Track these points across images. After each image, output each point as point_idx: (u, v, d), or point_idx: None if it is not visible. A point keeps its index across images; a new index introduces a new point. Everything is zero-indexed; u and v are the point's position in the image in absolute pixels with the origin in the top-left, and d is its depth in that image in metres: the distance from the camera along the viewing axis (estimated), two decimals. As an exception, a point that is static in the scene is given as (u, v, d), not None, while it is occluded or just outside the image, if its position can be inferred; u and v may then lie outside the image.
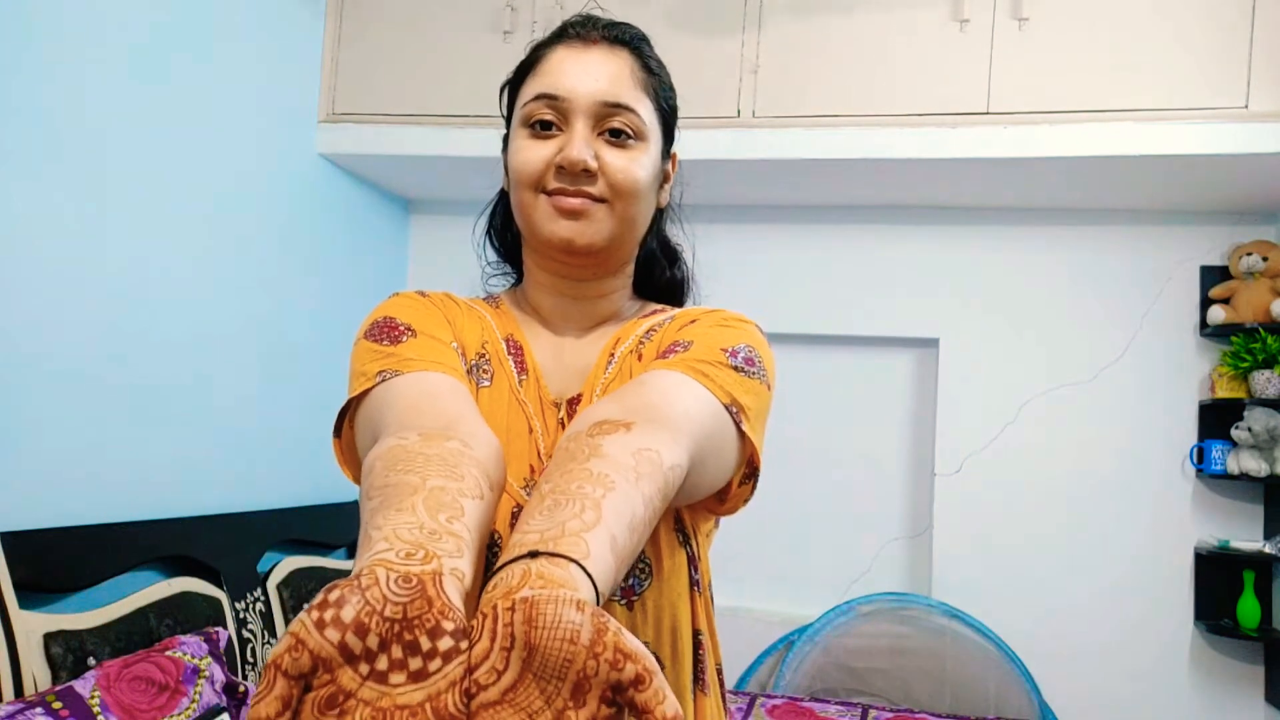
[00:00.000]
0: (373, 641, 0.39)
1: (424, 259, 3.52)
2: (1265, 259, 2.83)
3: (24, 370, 1.98)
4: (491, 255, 0.96)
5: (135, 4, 2.26)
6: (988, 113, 2.60)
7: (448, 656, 0.40)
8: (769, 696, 2.76)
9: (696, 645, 0.79)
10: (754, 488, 0.78)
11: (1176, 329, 2.98)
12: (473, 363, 0.82)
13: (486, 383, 0.81)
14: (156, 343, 2.34)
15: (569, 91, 0.78)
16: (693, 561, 0.80)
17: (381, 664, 0.39)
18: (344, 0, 3.01)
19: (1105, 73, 2.53)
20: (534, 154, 0.78)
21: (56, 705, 1.62)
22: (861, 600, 3.07)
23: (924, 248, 3.17)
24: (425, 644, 0.40)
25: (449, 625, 0.40)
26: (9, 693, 1.72)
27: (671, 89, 0.87)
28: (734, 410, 0.72)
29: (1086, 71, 2.54)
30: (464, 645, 0.41)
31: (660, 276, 0.94)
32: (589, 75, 0.79)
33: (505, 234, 0.94)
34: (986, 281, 3.12)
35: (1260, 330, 2.77)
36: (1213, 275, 2.95)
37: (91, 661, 1.86)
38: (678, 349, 0.76)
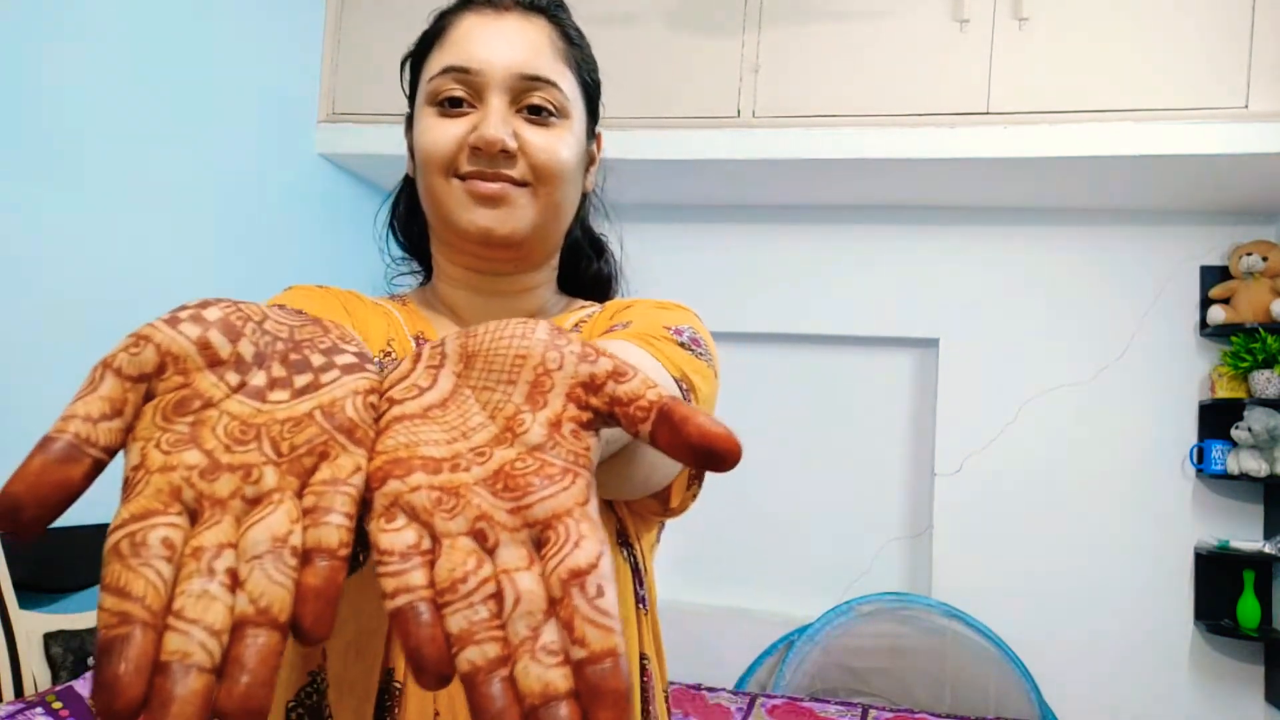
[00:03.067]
0: (246, 349, 0.30)
1: (424, 259, 3.52)
2: (1265, 259, 2.83)
3: (24, 370, 1.98)
4: (396, 250, 0.86)
5: (135, 4, 2.26)
6: (988, 113, 2.60)
7: (349, 370, 0.31)
8: (769, 696, 2.76)
9: (642, 671, 0.70)
10: (701, 485, 0.67)
11: (1176, 329, 2.98)
12: (377, 360, 0.72)
13: None
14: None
15: (481, 64, 0.69)
16: (638, 575, 0.71)
17: (257, 379, 0.30)
18: (344, 0, 3.01)
19: (1105, 73, 2.53)
20: (443, 133, 0.69)
21: (56, 705, 1.62)
22: (861, 600, 3.07)
23: (924, 248, 3.17)
24: (318, 360, 0.31)
25: (351, 346, 0.32)
26: (9, 693, 1.72)
27: (594, 61, 0.78)
28: (684, 388, 0.61)
29: (1086, 71, 2.54)
30: (371, 366, 0.32)
31: (586, 270, 0.85)
32: (504, 44, 0.70)
33: (411, 226, 0.84)
34: (986, 281, 3.12)
35: (1260, 330, 2.77)
36: (1213, 275, 2.95)
37: (91, 661, 1.86)
38: (615, 329, 0.66)
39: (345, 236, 3.17)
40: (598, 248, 0.86)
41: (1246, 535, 2.87)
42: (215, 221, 2.55)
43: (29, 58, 1.99)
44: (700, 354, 0.66)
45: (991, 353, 3.10)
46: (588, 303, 0.82)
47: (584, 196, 0.80)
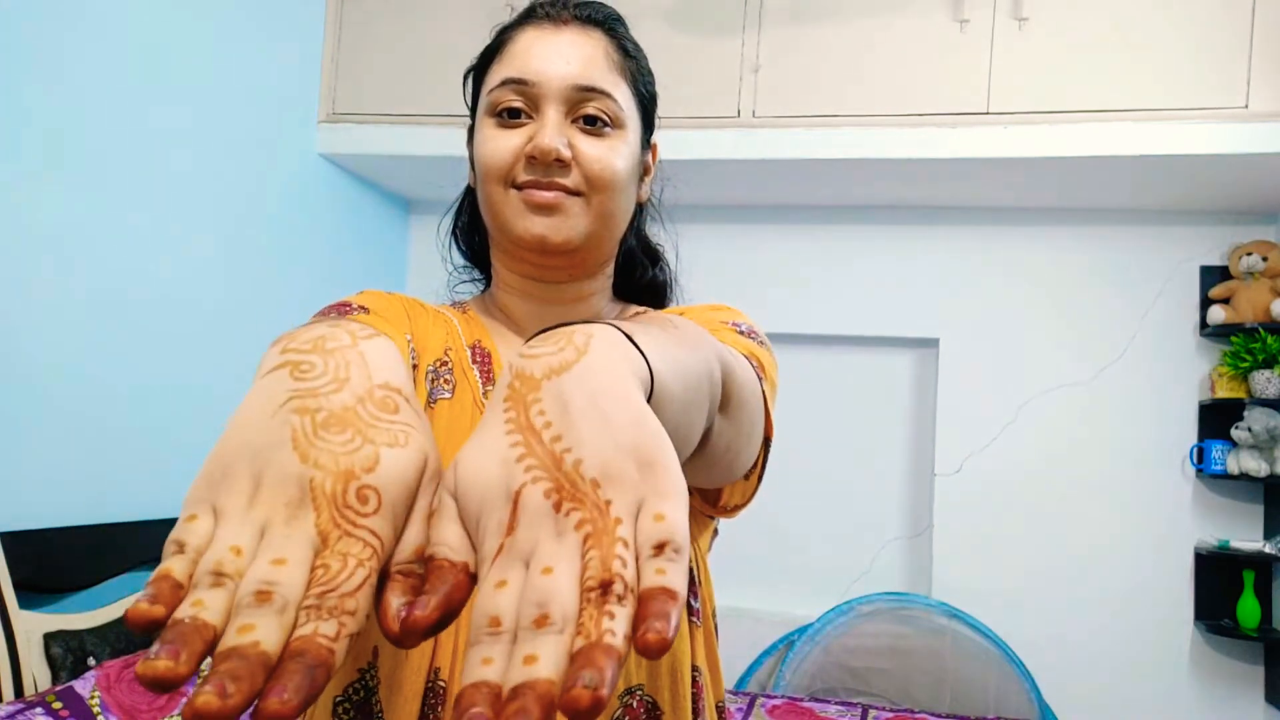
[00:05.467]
0: None
1: (424, 259, 3.52)
2: (1265, 259, 2.83)
3: (24, 370, 1.98)
4: (459, 259, 0.88)
5: (136, 4, 2.26)
6: (988, 113, 2.60)
7: None
8: (769, 696, 2.76)
9: (693, 682, 0.70)
10: (761, 478, 0.67)
11: (1176, 329, 2.98)
12: (430, 369, 0.73)
13: (446, 394, 0.72)
14: (157, 343, 2.34)
15: (538, 75, 0.71)
16: (691, 586, 0.71)
17: None
18: (344, 0, 3.01)
19: (1105, 73, 2.53)
20: (501, 144, 0.71)
21: (56, 705, 1.62)
22: (861, 600, 3.07)
23: (924, 248, 3.17)
24: None
25: None
26: (9, 693, 1.72)
27: (650, 74, 0.80)
28: (754, 364, 0.63)
29: (1086, 71, 2.54)
30: None
31: (641, 278, 0.86)
32: (560, 57, 0.71)
33: (473, 235, 0.86)
34: (986, 281, 3.12)
35: (1260, 330, 2.77)
36: (1213, 275, 2.95)
37: (91, 661, 1.86)
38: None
39: (345, 236, 3.17)
40: (652, 256, 0.88)
41: (1246, 535, 2.87)
42: (215, 221, 2.55)
43: (29, 57, 1.99)
44: (761, 341, 0.71)
45: (991, 353, 3.10)
46: (643, 309, 0.83)
47: (639, 206, 0.82)
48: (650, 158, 0.82)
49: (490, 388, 0.73)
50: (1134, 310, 3.01)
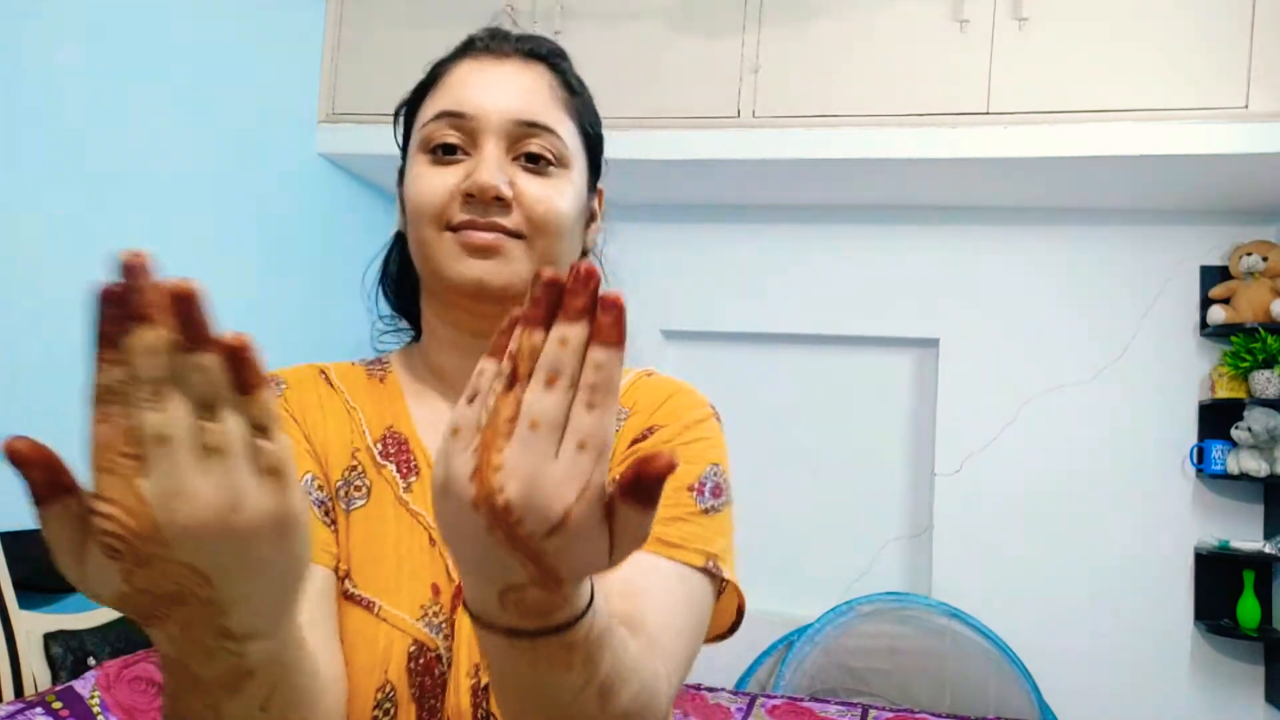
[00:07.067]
0: None
1: (424, 259, 3.52)
2: (1265, 259, 2.83)
3: (24, 370, 1.98)
4: (385, 308, 0.81)
5: (136, 4, 2.26)
6: (988, 113, 2.60)
7: None
8: (769, 696, 2.76)
9: None
10: (739, 623, 0.72)
11: (1176, 329, 2.98)
12: (341, 482, 0.68)
13: (361, 501, 0.67)
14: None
15: (476, 108, 0.66)
16: None
17: None
18: (344, 0, 3.01)
19: (1105, 73, 2.53)
20: (435, 182, 0.66)
21: (56, 705, 1.62)
22: (861, 600, 3.07)
23: (924, 248, 3.17)
24: None
25: None
26: (9, 693, 1.72)
27: (596, 113, 0.75)
28: (713, 565, 0.66)
29: (1086, 71, 2.54)
30: None
31: None
32: (500, 90, 0.67)
33: (402, 284, 0.79)
34: (986, 281, 3.12)
35: (1260, 330, 2.77)
36: (1213, 275, 2.95)
37: (91, 661, 1.86)
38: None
39: (345, 237, 3.17)
40: None
41: (1246, 535, 2.87)
42: (215, 221, 2.55)
43: (29, 57, 1.99)
44: (720, 504, 0.69)
45: (991, 353, 3.10)
46: None
47: (584, 255, 0.76)
48: (596, 204, 0.76)
49: (414, 479, 0.68)
50: (1134, 310, 3.01)
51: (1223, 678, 2.87)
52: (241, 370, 0.36)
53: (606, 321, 0.37)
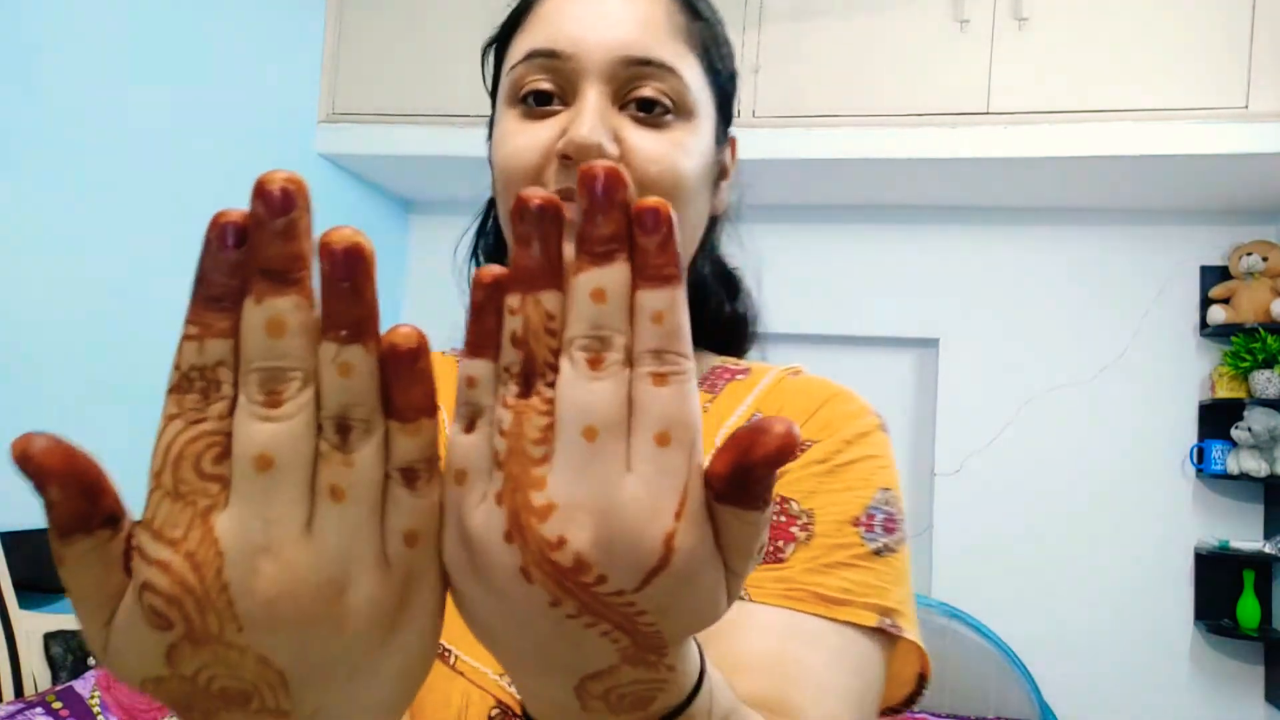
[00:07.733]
0: None
1: (424, 259, 3.52)
2: (1265, 259, 2.83)
3: (24, 370, 1.98)
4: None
5: (135, 4, 2.26)
6: (988, 113, 2.60)
7: None
8: (769, 696, 2.76)
9: None
10: (920, 693, 0.57)
11: (1176, 329, 2.98)
12: None
13: None
14: (156, 343, 2.34)
15: (574, 44, 0.52)
16: None
17: None
18: (344, 0, 3.01)
19: (1105, 73, 2.53)
20: (524, 140, 0.52)
21: (56, 705, 1.62)
22: (861, 600, 3.06)
23: (924, 248, 3.17)
24: None
25: None
26: (9, 693, 1.72)
27: (729, 44, 0.60)
28: (889, 624, 0.53)
29: (1086, 71, 2.54)
30: None
31: (717, 311, 0.67)
32: (604, 20, 0.52)
33: (500, 257, 0.66)
34: (986, 281, 3.12)
35: (1260, 330, 2.77)
36: (1213, 275, 2.95)
37: (91, 661, 1.86)
38: (794, 531, 0.53)
39: (345, 236, 3.18)
40: (731, 284, 0.69)
41: (1246, 535, 2.87)
42: (215, 221, 2.55)
43: (29, 58, 1.99)
44: (895, 542, 0.54)
45: (991, 353, 3.10)
46: (725, 362, 0.65)
47: (713, 219, 0.64)
48: (729, 156, 0.64)
49: None
50: (1134, 310, 3.01)
51: (1223, 678, 2.87)
52: (407, 385, 0.25)
53: (652, 245, 0.24)
